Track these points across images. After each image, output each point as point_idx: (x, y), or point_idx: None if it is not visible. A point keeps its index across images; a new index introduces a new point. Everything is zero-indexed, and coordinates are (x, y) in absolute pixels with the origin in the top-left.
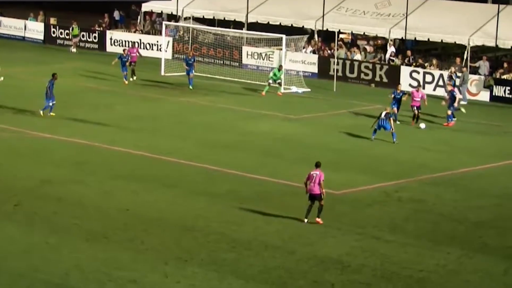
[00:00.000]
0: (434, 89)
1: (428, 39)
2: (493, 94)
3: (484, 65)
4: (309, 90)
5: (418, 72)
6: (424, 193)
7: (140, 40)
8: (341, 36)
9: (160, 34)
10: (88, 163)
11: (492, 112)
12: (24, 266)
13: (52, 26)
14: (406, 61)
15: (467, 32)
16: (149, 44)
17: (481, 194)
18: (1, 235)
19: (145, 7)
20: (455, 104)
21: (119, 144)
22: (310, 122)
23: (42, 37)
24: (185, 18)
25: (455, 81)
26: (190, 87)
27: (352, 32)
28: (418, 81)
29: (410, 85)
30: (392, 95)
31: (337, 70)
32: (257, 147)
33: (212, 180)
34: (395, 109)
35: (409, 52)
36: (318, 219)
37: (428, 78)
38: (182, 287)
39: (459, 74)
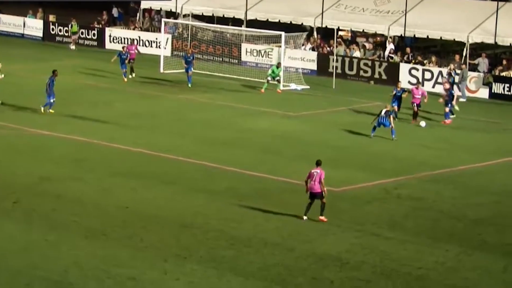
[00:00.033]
0: (433, 86)
1: (427, 36)
2: (492, 91)
3: (483, 62)
4: (308, 87)
5: (417, 69)
6: (423, 190)
7: (139, 37)
8: (340, 33)
9: (159, 31)
10: (87, 160)
11: (491, 109)
12: (23, 264)
13: (51, 23)
14: (405, 58)
15: (466, 29)
16: (148, 41)
17: (480, 191)
18: (0, 233)
19: (144, 4)
20: (453, 102)
21: (118, 141)
22: (309, 119)
23: (41, 34)
24: (184, 15)
25: (454, 78)
26: (189, 85)
27: (351, 29)
28: (417, 78)
29: (409, 82)
30: (393, 93)
31: (336, 67)
32: (256, 144)
33: (211, 177)
34: (395, 107)
35: (408, 49)
36: (321, 217)
37: (427, 75)
38: (181, 284)
39: (458, 71)
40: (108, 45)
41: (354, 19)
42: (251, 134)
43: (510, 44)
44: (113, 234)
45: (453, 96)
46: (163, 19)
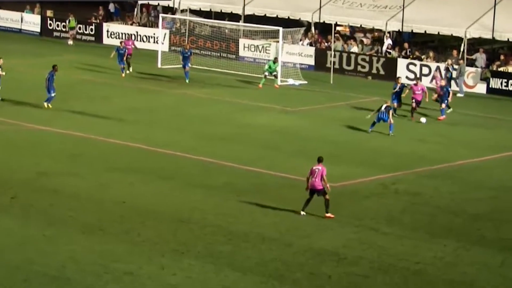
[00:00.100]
0: (431, 81)
1: (425, 31)
2: (490, 86)
3: (481, 58)
4: (306, 82)
5: (415, 65)
6: (421, 185)
7: (137, 32)
8: (338, 28)
9: (157, 26)
10: (84, 156)
11: (489, 105)
12: (20, 259)
13: (48, 19)
14: (403, 53)
15: (463, 24)
16: (145, 36)
17: (478, 187)
18: None
19: None
20: (449, 99)
21: (116, 137)
22: (307, 115)
23: (38, 30)
24: (182, 11)
25: (452, 73)
26: (187, 80)
27: (349, 24)
28: (415, 73)
29: (407, 77)
30: (394, 90)
31: (334, 63)
32: (254, 139)
33: (209, 173)
34: (395, 103)
35: (406, 45)
36: (328, 214)
37: (425, 70)
38: (178, 279)
39: (455, 67)
40: (106, 41)
41: (352, 14)
42: (248, 129)
43: (508, 39)
44: (110, 229)
45: (449, 92)
46: (160, 15)
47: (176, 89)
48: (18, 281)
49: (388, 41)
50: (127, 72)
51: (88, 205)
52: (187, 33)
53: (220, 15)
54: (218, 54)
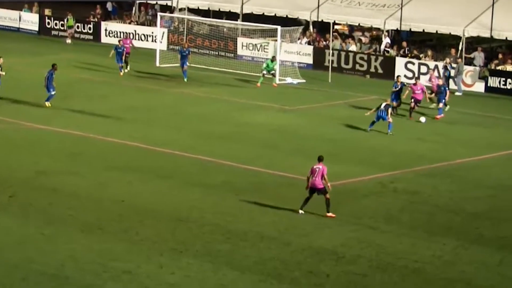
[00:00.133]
0: (429, 80)
1: (423, 30)
2: (488, 85)
3: (479, 56)
4: (304, 81)
5: (413, 63)
6: (419, 184)
7: (135, 31)
8: (336, 27)
9: (155, 25)
10: (83, 154)
11: (487, 103)
12: (19, 257)
13: (46, 17)
14: (401, 52)
15: (462, 23)
16: (144, 35)
17: (476, 185)
18: None
19: None
20: (447, 98)
21: (114, 135)
22: (306, 113)
23: (37, 28)
24: (180, 9)
25: (450, 72)
26: (185, 79)
27: (347, 23)
28: (413, 72)
29: (405, 76)
30: (395, 89)
31: (332, 61)
32: (252, 138)
33: (207, 171)
34: (394, 103)
35: (404, 43)
36: (329, 214)
37: (423, 69)
38: (176, 278)
39: (454, 65)
40: (104, 39)
41: (350, 13)
42: (247, 128)
43: (506, 38)
44: (109, 228)
45: (446, 91)
46: (159, 13)
47: (174, 88)
48: (16, 279)
49: (386, 40)
50: (125, 71)
51: (87, 204)
52: (185, 32)
53: (218, 14)
54: (216, 53)
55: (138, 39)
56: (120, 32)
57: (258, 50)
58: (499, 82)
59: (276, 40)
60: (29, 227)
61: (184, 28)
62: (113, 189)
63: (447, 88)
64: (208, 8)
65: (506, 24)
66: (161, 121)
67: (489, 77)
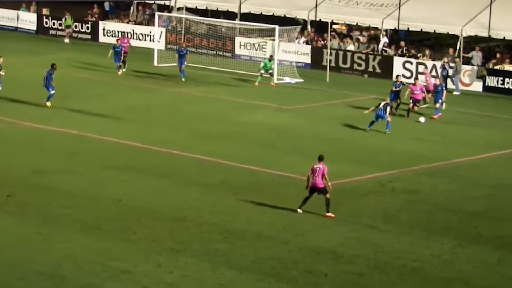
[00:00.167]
0: (425, 79)
1: (421, 29)
2: (486, 84)
3: (477, 56)
4: (302, 80)
5: (411, 63)
6: (418, 183)
7: (133, 30)
8: (334, 26)
9: (153, 24)
10: (80, 154)
11: (485, 103)
12: (16, 257)
13: (44, 17)
14: (399, 51)
15: (460, 22)
16: (142, 34)
17: (475, 185)
18: None
19: None
20: (443, 98)
21: (112, 135)
22: (304, 113)
23: (34, 28)
24: (178, 9)
25: (448, 71)
26: (183, 78)
27: (345, 22)
28: (411, 71)
29: (403, 75)
30: (396, 88)
31: (330, 61)
32: (250, 137)
33: (205, 171)
34: (394, 102)
35: (402, 43)
36: (328, 214)
37: (421, 68)
38: (174, 277)
39: (452, 65)
40: (102, 39)
41: (348, 13)
42: (245, 127)
43: (504, 37)
44: (106, 227)
45: (443, 91)
46: (156, 13)
47: (172, 87)
48: (14, 279)
49: (384, 39)
50: (123, 70)
51: (84, 203)
52: (183, 31)
53: (216, 13)
54: (214, 52)
55: (136, 39)
56: (118, 32)
57: (256, 50)
58: (497, 82)
59: (274, 40)
60: (26, 226)
61: (182, 28)
62: (111, 188)
63: (444, 88)
64: (206, 7)
65: (504, 23)
66: (159, 120)
67: (487, 77)
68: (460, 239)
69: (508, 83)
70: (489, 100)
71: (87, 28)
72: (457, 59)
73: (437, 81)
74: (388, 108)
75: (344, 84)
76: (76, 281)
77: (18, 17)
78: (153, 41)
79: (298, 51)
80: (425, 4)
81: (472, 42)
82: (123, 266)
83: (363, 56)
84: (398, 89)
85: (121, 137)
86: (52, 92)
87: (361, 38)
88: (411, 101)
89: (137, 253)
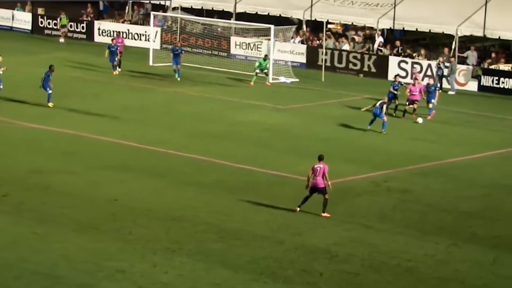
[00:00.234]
0: (422, 79)
1: (416, 29)
2: (481, 84)
3: (472, 55)
4: (297, 80)
5: (406, 62)
6: (413, 183)
7: (128, 30)
8: (329, 26)
9: (148, 24)
10: (77, 153)
11: (480, 102)
12: (12, 257)
13: (39, 16)
14: (394, 51)
15: (455, 22)
16: (137, 34)
17: (469, 184)
18: None
19: None
20: (436, 98)
21: (108, 135)
22: (299, 112)
23: (30, 27)
24: (173, 8)
25: (443, 71)
26: (178, 78)
27: (340, 22)
28: (406, 71)
29: (398, 75)
30: (391, 88)
31: (326, 60)
32: (246, 137)
33: (201, 170)
34: (391, 103)
35: (398, 42)
36: (324, 214)
37: (416, 68)
38: (170, 277)
39: (447, 64)
40: (97, 38)
41: (343, 12)
42: (240, 127)
43: (499, 37)
44: (102, 227)
45: (436, 91)
46: (152, 12)
47: (167, 87)
48: (9, 278)
49: (379, 39)
50: (119, 70)
51: (80, 203)
52: (178, 31)
53: (212, 13)
54: (210, 52)
55: (131, 38)
56: (113, 32)
57: (252, 49)
58: (492, 81)
59: (270, 39)
60: (22, 226)
61: (177, 27)
62: (107, 188)
63: (436, 88)
64: (201, 7)
65: (499, 23)
66: (155, 120)
67: (482, 76)
68: (454, 239)
69: (503, 82)
70: (484, 100)
71: (82, 27)
72: (452, 59)
73: (430, 81)
74: (385, 107)
75: (340, 83)
76: (72, 280)
77: (13, 16)
78: (148, 40)
79: (293, 50)
80: (420, 3)
81: (467, 41)
82: (119, 266)
83: (359, 56)
84: (396, 89)
85: (117, 137)
86: (50, 91)
87: (356, 38)
88: (407, 104)
89: (133, 253)
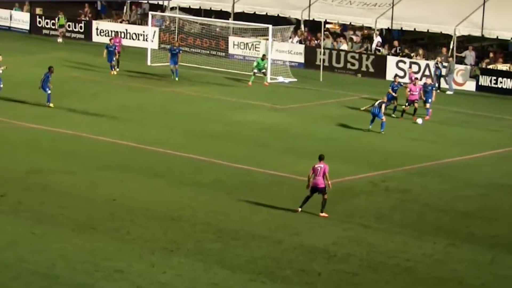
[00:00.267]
0: (420, 79)
1: (414, 29)
2: (479, 84)
3: (470, 55)
4: (295, 80)
5: (404, 62)
6: (411, 183)
7: (126, 30)
8: (327, 26)
9: (146, 24)
10: (75, 153)
11: (478, 102)
12: (10, 257)
13: (38, 16)
14: (392, 51)
15: (453, 22)
16: (135, 34)
17: (467, 184)
18: None
19: None
20: (433, 98)
21: (106, 134)
22: (297, 112)
23: (28, 27)
24: (171, 8)
25: (441, 71)
26: (176, 78)
27: (338, 22)
28: (404, 71)
29: (396, 75)
30: (390, 89)
31: (324, 60)
32: (244, 137)
33: (199, 170)
34: (390, 103)
35: (396, 42)
36: (323, 214)
37: (414, 68)
38: (168, 277)
39: (445, 64)
40: (95, 38)
41: (341, 12)
42: (238, 127)
43: (497, 36)
44: (100, 227)
45: (433, 91)
46: (150, 12)
47: (165, 87)
48: (7, 278)
49: (377, 39)
50: (117, 70)
51: (78, 203)
52: (176, 31)
53: (210, 13)
54: (208, 52)
55: (130, 38)
56: (111, 31)
57: (250, 49)
58: (490, 81)
59: (268, 39)
60: (20, 226)
61: (175, 27)
62: (105, 188)
63: (434, 88)
64: (199, 7)
65: (497, 23)
66: (153, 120)
67: (480, 76)
68: (452, 239)
69: (501, 82)
70: (482, 100)
71: (80, 27)
72: (450, 59)
73: (428, 81)
74: (383, 106)
75: (338, 83)
76: (70, 280)
77: (11, 16)
78: (146, 40)
79: (291, 50)
80: (418, 3)
81: (465, 41)
82: (116, 265)
83: (357, 56)
84: (396, 89)
85: (115, 137)
86: (49, 92)
87: (354, 38)
88: (406, 104)
89: (131, 252)
